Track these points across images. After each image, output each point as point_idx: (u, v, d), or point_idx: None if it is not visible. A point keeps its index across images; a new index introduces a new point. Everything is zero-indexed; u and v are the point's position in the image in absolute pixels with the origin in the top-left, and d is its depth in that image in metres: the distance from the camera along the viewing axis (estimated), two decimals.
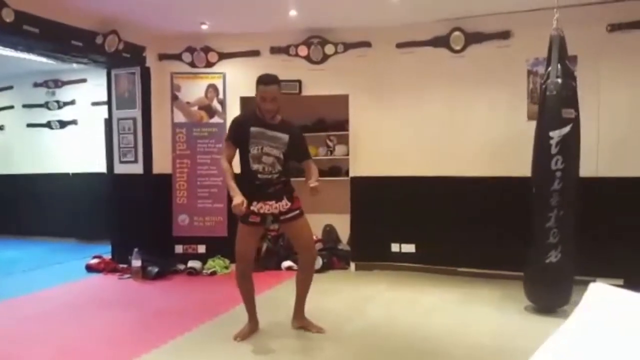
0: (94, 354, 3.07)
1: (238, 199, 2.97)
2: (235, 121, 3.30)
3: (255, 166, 3.15)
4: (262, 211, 3.18)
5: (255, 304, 3.39)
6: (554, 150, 3.49)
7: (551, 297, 3.64)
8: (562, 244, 3.55)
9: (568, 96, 3.54)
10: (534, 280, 3.70)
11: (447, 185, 4.86)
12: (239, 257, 3.26)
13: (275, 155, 3.17)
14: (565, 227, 3.55)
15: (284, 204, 3.21)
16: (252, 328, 3.34)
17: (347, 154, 5.28)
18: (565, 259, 3.56)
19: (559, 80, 3.52)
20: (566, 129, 3.49)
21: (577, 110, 3.57)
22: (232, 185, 3.07)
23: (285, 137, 3.21)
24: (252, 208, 3.13)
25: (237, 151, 3.22)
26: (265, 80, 3.17)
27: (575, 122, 3.54)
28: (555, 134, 3.49)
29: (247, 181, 3.15)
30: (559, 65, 3.54)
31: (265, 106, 3.13)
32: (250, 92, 5.07)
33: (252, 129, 3.15)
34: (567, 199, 3.53)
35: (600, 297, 1.20)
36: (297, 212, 3.27)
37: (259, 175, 3.15)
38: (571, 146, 3.53)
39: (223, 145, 3.24)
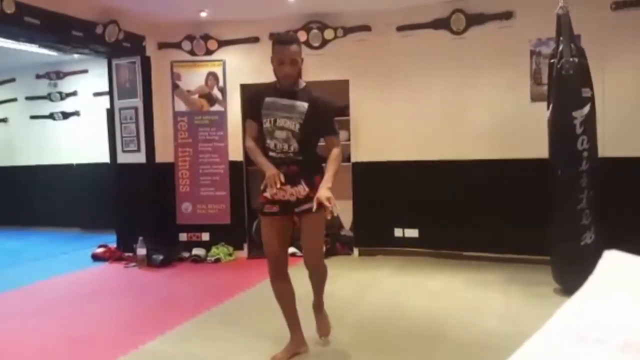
0: (100, 342, 3.12)
1: (272, 169, 2.55)
2: (250, 94, 2.86)
3: (267, 142, 2.66)
4: (276, 197, 2.63)
5: (297, 314, 2.81)
6: (578, 131, 3.45)
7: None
8: (594, 225, 3.54)
9: (584, 75, 3.53)
10: (567, 263, 3.58)
11: (450, 168, 4.86)
12: (266, 255, 2.76)
13: (289, 128, 2.61)
14: (595, 207, 3.54)
15: (301, 189, 2.61)
16: (294, 346, 2.79)
17: (349, 140, 5.24)
18: (600, 239, 3.53)
19: (576, 60, 3.47)
20: (587, 108, 3.48)
21: (592, 89, 3.57)
22: (262, 160, 2.63)
23: (303, 105, 2.63)
24: (265, 194, 2.65)
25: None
26: (282, 40, 2.66)
27: (592, 100, 3.55)
28: (578, 114, 3.46)
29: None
30: (572, 44, 3.49)
31: (283, 70, 2.60)
32: (251, 79, 5.13)
33: (267, 99, 2.67)
34: (595, 179, 3.52)
35: (616, 264, 1.19)
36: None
37: (271, 154, 2.65)
38: (592, 125, 3.54)
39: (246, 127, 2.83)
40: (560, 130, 3.55)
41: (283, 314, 2.81)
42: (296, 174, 2.61)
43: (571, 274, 3.58)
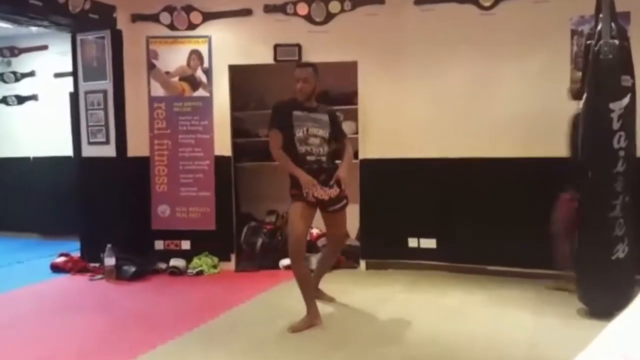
0: None
1: (307, 177, 3.61)
2: (276, 107, 3.91)
3: (302, 148, 3.70)
4: (314, 196, 3.67)
5: (312, 290, 3.87)
6: (616, 126, 3.42)
7: (616, 298, 3.47)
8: (628, 236, 3.51)
9: (624, 60, 3.49)
10: (595, 280, 3.61)
11: (474, 167, 4.88)
12: (296, 237, 3.64)
13: (321, 135, 3.76)
14: (630, 215, 3.51)
15: (335, 190, 3.73)
16: (311, 319, 3.63)
17: (356, 133, 5.27)
18: (633, 252, 3.52)
19: (616, 42, 3.44)
20: (626, 100, 3.44)
21: (633, 77, 3.52)
22: (295, 169, 3.67)
23: (325, 117, 3.84)
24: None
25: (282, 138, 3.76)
26: (299, 64, 4.02)
27: (633, 91, 3.50)
28: (616, 106, 3.41)
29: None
30: (612, 23, 3.48)
31: (296, 86, 3.72)
32: (241, 59, 5.19)
33: (295, 112, 3.74)
34: (631, 183, 3.50)
35: None
36: (345, 202, 3.86)
37: (307, 158, 3.70)
38: (632, 120, 3.50)
39: (270, 136, 3.86)
40: (594, 125, 3.54)
41: (305, 293, 3.67)
42: (330, 179, 3.73)
43: (599, 293, 3.60)
